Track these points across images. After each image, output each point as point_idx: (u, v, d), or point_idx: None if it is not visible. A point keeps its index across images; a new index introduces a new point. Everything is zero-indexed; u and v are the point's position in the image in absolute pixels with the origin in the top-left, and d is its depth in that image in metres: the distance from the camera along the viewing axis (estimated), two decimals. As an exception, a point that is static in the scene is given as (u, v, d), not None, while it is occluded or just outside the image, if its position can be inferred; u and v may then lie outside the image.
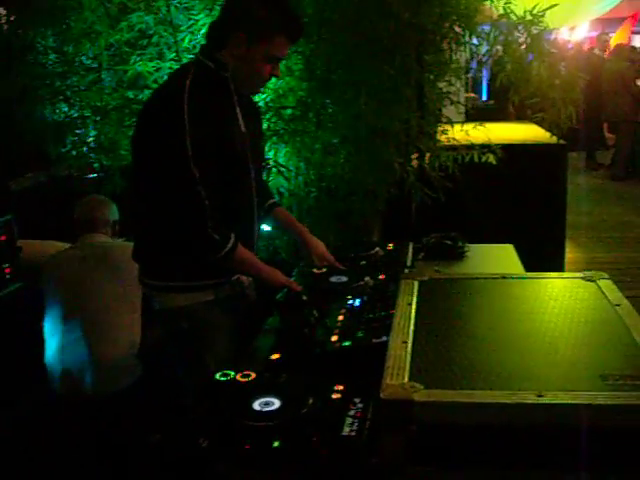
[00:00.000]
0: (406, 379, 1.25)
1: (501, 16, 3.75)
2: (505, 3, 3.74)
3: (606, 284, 1.73)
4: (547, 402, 1.18)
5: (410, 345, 1.40)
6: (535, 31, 3.74)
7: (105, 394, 3.01)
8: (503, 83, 3.72)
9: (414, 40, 3.49)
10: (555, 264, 5.35)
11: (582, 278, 1.76)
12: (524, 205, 5.16)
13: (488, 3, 3.87)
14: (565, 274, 1.87)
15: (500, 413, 1.17)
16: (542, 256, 3.37)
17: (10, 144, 4.29)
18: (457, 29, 3.82)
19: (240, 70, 2.23)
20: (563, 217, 5.49)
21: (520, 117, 7.74)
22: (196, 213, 2.15)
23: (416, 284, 1.77)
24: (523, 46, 3.87)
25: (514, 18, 3.80)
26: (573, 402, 1.20)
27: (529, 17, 3.79)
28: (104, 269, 3.13)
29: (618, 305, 1.64)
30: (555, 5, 3.83)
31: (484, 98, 10.80)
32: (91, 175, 4.43)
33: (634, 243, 6.69)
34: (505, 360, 1.35)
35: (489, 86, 10.51)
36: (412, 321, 1.53)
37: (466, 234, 3.26)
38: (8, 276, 3.42)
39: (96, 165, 4.30)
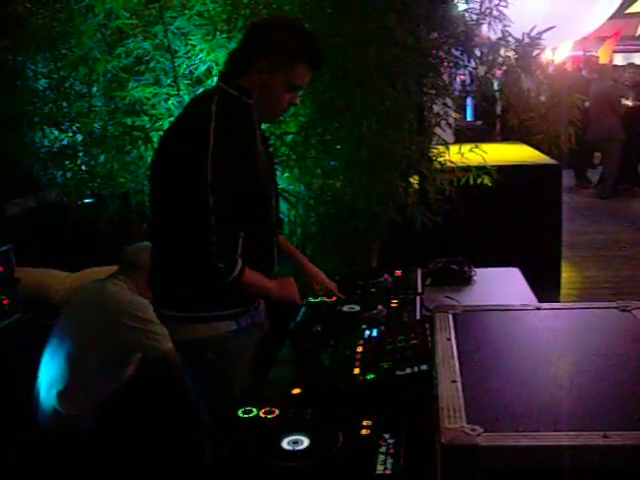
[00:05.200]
0: (464, 422, 1.21)
1: (500, 39, 3.76)
2: (504, 26, 3.75)
3: (642, 313, 1.70)
4: (613, 444, 1.14)
5: (460, 384, 1.36)
6: (533, 53, 3.76)
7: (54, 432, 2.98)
8: (503, 105, 3.74)
9: (415, 64, 3.48)
10: (552, 284, 5.36)
11: (617, 308, 1.74)
12: (520, 225, 5.17)
13: (485, 27, 3.87)
14: (598, 303, 1.84)
15: (565, 456, 1.13)
16: (539, 276, 3.36)
17: (1, 169, 4.24)
18: (455, 52, 3.83)
19: (261, 98, 2.22)
20: (559, 236, 5.51)
21: (508, 137, 7.79)
22: (200, 241, 2.10)
23: (450, 317, 1.74)
24: (519, 69, 3.89)
25: (512, 41, 3.82)
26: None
27: (527, 40, 3.82)
28: (88, 316, 3.06)
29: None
30: (553, 27, 3.85)
31: (469, 119, 10.87)
32: (85, 201, 4.38)
33: (627, 261, 6.70)
34: (563, 398, 1.31)
35: (475, 107, 10.60)
36: (455, 358, 1.50)
37: (462, 256, 3.25)
38: (7, 308, 3.36)
39: (87, 192, 4.24)
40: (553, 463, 1.14)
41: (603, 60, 11.94)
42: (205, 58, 3.50)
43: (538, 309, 1.80)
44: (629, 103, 10.48)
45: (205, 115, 2.12)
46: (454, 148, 4.11)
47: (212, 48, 3.46)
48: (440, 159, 4.03)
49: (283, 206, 3.64)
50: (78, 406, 2.97)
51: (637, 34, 15.88)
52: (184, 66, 3.63)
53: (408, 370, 1.82)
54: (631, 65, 13.49)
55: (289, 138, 3.60)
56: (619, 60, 15.13)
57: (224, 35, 3.46)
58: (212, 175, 2.05)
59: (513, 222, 5.14)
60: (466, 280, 3.12)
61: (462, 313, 1.77)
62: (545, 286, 3.91)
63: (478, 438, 1.16)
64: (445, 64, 3.83)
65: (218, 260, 2.11)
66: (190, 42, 3.60)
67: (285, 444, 1.58)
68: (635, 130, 9.77)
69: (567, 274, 6.06)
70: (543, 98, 4.28)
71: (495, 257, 3.40)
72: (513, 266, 3.32)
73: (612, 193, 9.59)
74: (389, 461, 1.51)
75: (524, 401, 1.30)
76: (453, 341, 1.59)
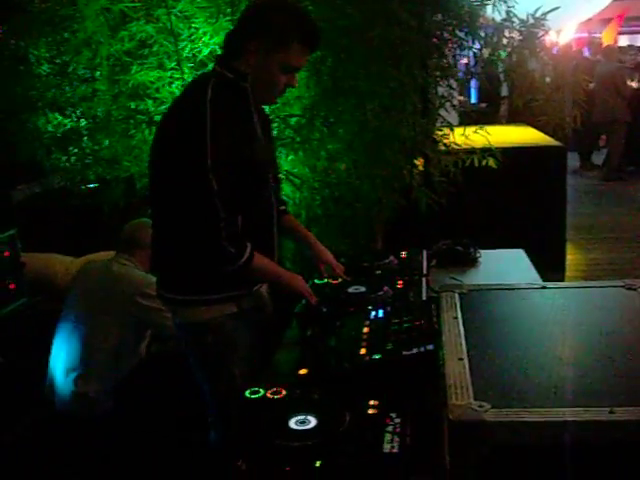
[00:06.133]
0: (471, 398, 1.21)
1: (504, 20, 3.74)
2: (508, 7, 3.72)
3: (649, 292, 1.70)
4: (619, 419, 1.14)
5: (467, 362, 1.36)
6: (538, 34, 3.74)
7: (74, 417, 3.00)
8: (509, 87, 3.73)
9: (419, 46, 3.46)
10: (556, 266, 5.35)
11: (623, 287, 1.74)
12: (525, 207, 5.15)
13: (490, 8, 3.85)
14: (605, 282, 1.84)
15: (572, 431, 1.13)
16: (544, 258, 3.36)
17: (5, 156, 4.25)
18: (460, 34, 3.81)
19: (257, 80, 2.20)
20: (564, 218, 5.50)
21: (513, 120, 7.76)
22: (210, 225, 2.11)
23: (457, 297, 1.74)
24: (526, 50, 3.87)
25: (517, 22, 3.80)
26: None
27: (531, 21, 3.80)
28: (100, 298, 3.06)
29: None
30: (557, 8, 3.82)
31: (473, 101, 10.83)
32: (89, 186, 4.39)
33: (631, 243, 6.69)
34: (570, 375, 1.31)
35: (479, 89, 10.55)
36: (462, 336, 1.50)
37: (467, 238, 3.24)
38: (13, 292, 3.38)
39: (92, 177, 4.24)
40: (560, 438, 1.14)
41: (607, 42, 11.85)
42: (208, 41, 3.48)
43: (544, 288, 1.80)
44: (634, 85, 10.42)
45: (201, 99, 2.10)
46: (458, 130, 4.10)
47: (215, 31, 3.44)
48: (444, 141, 4.01)
49: (287, 188, 3.64)
50: (97, 388, 2.99)
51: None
52: (187, 49, 3.61)
53: (414, 350, 1.82)
54: (632, 47, 13.42)
55: (293, 120, 3.59)
56: (624, 42, 15.02)
57: (227, 18, 3.44)
58: (212, 159, 2.05)
59: (518, 204, 5.12)
60: (471, 261, 3.12)
61: (468, 292, 1.77)
62: (550, 268, 3.89)
63: (485, 414, 1.16)
64: (449, 45, 3.82)
65: (229, 244, 2.11)
66: (193, 25, 3.58)
67: (292, 424, 1.59)
68: (641, 112, 9.72)
69: (571, 256, 6.05)
70: (548, 79, 4.27)
71: (500, 239, 3.39)
72: (518, 248, 3.31)
73: (616, 175, 9.56)
74: (396, 440, 1.51)
75: (531, 378, 1.30)
76: (460, 319, 1.60)
